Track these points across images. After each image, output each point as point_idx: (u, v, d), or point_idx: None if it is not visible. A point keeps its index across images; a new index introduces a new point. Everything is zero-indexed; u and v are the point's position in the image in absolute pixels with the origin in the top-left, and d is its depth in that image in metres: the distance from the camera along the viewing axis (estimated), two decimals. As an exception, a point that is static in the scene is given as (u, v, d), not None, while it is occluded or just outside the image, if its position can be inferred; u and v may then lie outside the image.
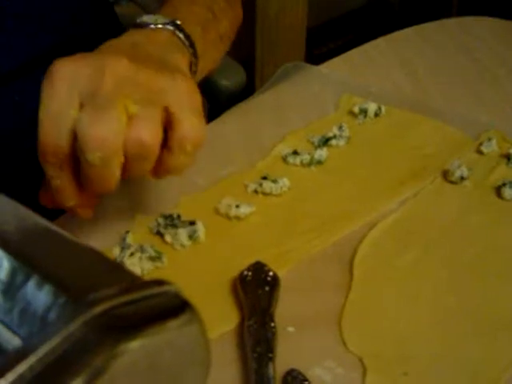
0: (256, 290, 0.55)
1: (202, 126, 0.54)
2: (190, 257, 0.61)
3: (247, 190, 0.68)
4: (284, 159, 0.72)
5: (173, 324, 0.28)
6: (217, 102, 1.12)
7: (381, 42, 0.98)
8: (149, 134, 0.51)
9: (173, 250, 0.62)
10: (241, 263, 0.58)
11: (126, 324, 0.27)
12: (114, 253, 0.60)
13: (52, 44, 0.76)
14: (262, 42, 2.06)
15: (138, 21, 0.62)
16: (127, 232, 0.62)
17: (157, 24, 0.61)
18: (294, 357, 0.51)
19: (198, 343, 0.30)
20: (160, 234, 0.63)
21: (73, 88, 0.51)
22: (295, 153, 0.72)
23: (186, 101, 0.54)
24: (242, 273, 0.56)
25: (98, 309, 0.27)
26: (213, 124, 0.79)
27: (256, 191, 0.68)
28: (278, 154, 0.73)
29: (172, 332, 0.28)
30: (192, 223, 0.62)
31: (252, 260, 0.58)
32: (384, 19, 3.35)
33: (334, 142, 0.75)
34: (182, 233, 0.62)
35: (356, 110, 0.80)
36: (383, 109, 0.80)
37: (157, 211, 0.65)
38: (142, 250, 0.59)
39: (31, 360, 0.26)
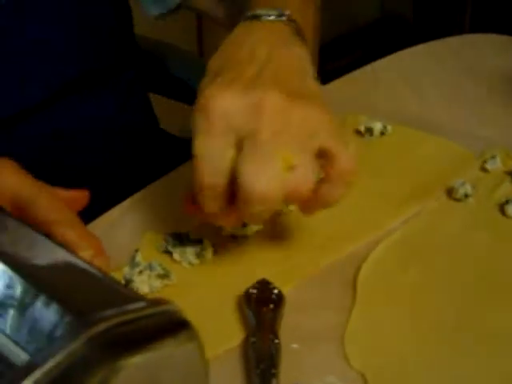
0: (261, 307, 0.56)
1: (353, 154, 0.57)
2: (198, 274, 0.62)
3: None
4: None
5: (171, 341, 0.30)
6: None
7: (386, 61, 1.00)
8: (307, 185, 0.53)
9: (181, 267, 0.63)
10: (247, 281, 0.59)
11: (127, 341, 0.29)
12: (125, 271, 0.62)
13: (79, 73, 0.79)
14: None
15: (250, 14, 0.61)
16: (137, 250, 0.64)
17: (270, 15, 0.61)
18: (297, 373, 0.53)
19: (195, 360, 0.31)
20: (169, 253, 0.65)
21: (230, 126, 0.52)
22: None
23: (335, 134, 0.56)
24: (247, 290, 0.58)
25: (100, 327, 0.29)
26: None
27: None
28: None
29: (170, 349, 0.30)
30: (199, 242, 0.64)
31: (258, 277, 0.59)
32: (398, 33, 3.36)
33: (339, 160, 0.76)
34: (190, 251, 0.63)
35: (362, 128, 0.81)
36: (389, 127, 0.82)
37: (166, 230, 0.67)
38: (150, 267, 0.61)
39: (37, 374, 0.28)
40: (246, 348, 0.54)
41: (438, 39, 1.10)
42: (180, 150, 0.91)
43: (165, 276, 0.61)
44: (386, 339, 0.56)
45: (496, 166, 0.76)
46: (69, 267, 0.37)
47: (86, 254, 0.48)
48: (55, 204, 0.52)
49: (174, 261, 0.64)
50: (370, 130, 0.81)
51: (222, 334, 0.56)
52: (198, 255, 0.63)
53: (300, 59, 0.60)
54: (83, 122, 0.85)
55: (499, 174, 0.75)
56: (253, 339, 0.53)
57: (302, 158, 0.53)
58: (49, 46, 0.78)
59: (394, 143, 0.80)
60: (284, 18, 0.61)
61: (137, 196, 0.74)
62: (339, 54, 2.74)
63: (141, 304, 0.31)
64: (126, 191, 0.75)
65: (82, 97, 0.84)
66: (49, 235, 0.44)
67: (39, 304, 0.32)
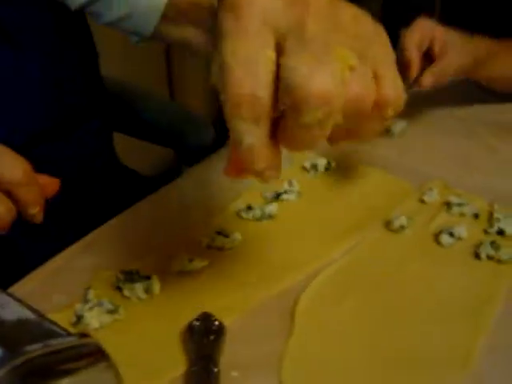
0: (202, 338, 0.60)
1: (402, 86, 0.46)
2: (146, 309, 0.66)
3: (201, 245, 0.73)
4: (238, 214, 0.78)
5: (89, 370, 0.34)
6: (188, 157, 1.18)
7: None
8: (371, 92, 0.44)
9: (131, 302, 0.67)
10: (191, 314, 0.62)
11: (48, 370, 0.33)
12: (76, 307, 0.65)
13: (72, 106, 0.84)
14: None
15: None
16: (88, 288, 0.67)
17: None
18: (235, 399, 0.56)
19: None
20: (120, 289, 0.68)
21: (267, 23, 0.42)
22: (249, 208, 0.78)
23: (388, 54, 0.46)
24: (190, 323, 0.61)
25: (24, 357, 0.33)
26: (172, 183, 0.85)
27: (210, 246, 0.73)
28: (233, 210, 0.79)
29: (88, 377, 0.33)
30: (148, 278, 0.68)
31: (201, 311, 0.63)
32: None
33: (285, 196, 0.80)
34: (139, 287, 0.67)
35: (307, 165, 0.85)
36: (333, 163, 0.86)
37: (118, 268, 0.70)
38: (99, 304, 0.65)
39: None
40: (188, 377, 0.57)
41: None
42: (141, 187, 0.96)
43: (114, 311, 0.64)
44: (322, 366, 0.59)
45: (433, 197, 0.81)
46: (6, 306, 0.40)
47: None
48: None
49: (125, 296, 0.67)
50: (314, 167, 0.85)
51: (166, 364, 0.59)
52: (147, 291, 0.67)
53: None
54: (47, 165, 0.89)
55: (436, 205, 0.80)
56: (194, 368, 0.57)
57: (362, 63, 0.43)
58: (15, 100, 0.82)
59: (338, 178, 0.85)
60: None
61: (91, 235, 0.78)
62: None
63: (65, 338, 0.34)
64: (85, 226, 0.78)
65: (48, 146, 0.88)
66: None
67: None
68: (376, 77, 0.44)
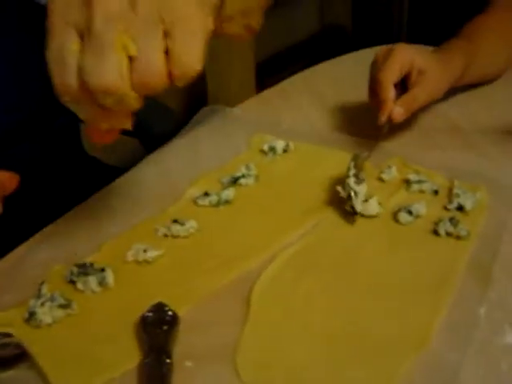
0: (155, 329, 0.59)
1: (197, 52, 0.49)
2: (100, 302, 0.65)
3: (157, 235, 0.72)
4: (194, 202, 0.77)
5: (12, 371, 0.33)
6: (152, 147, 1.17)
7: (297, 79, 1.04)
8: (153, 74, 0.48)
9: (84, 296, 0.65)
10: (145, 305, 0.61)
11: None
12: (30, 303, 0.64)
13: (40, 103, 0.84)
14: (212, 81, 2.13)
15: None
16: (42, 283, 0.66)
17: None
18: (189, 390, 0.55)
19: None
20: (73, 282, 0.67)
21: (67, 21, 0.48)
22: (206, 194, 0.77)
23: (185, 22, 0.48)
24: (143, 314, 0.60)
25: None
26: (129, 172, 0.84)
27: (166, 235, 0.72)
28: (189, 197, 0.78)
29: (11, 377, 0.32)
30: (102, 270, 0.66)
31: (156, 301, 0.62)
32: (338, 45, 3.43)
33: (242, 181, 0.79)
34: (92, 280, 0.66)
35: (265, 148, 0.84)
36: (291, 145, 0.85)
37: (73, 261, 0.69)
38: (52, 298, 0.63)
39: None
40: (141, 369, 0.56)
41: (348, 53, 1.15)
42: (105, 176, 0.94)
43: (66, 306, 0.63)
44: (277, 352, 0.59)
45: (392, 175, 0.80)
46: None
47: None
48: None
49: (79, 290, 0.66)
50: (273, 149, 0.84)
51: (119, 357, 0.58)
52: (101, 283, 0.66)
53: None
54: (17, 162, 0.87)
55: (395, 184, 0.79)
56: (147, 360, 0.56)
57: (145, 44, 0.47)
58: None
59: (297, 160, 0.84)
60: None
61: (48, 228, 0.76)
62: (280, 67, 2.78)
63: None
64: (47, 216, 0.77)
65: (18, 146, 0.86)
66: None
67: None
68: (168, 50, 0.47)
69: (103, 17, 0.46)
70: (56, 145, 0.95)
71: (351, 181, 0.72)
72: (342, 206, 0.74)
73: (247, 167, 0.80)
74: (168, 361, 0.56)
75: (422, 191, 0.77)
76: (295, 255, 0.69)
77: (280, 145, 0.84)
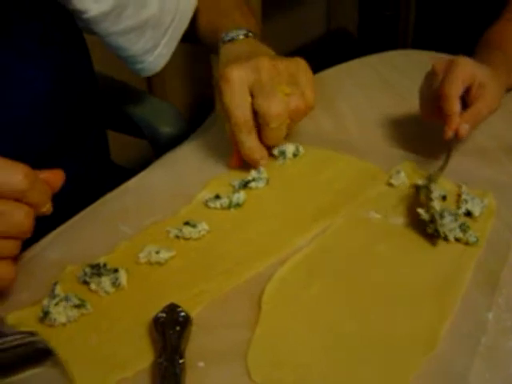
0: (168, 329, 0.60)
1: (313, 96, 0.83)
2: (113, 302, 0.66)
3: (169, 236, 0.73)
4: (206, 204, 0.78)
5: (37, 368, 0.33)
6: (161, 148, 1.18)
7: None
8: (302, 103, 0.81)
9: (98, 297, 0.66)
10: (158, 305, 0.62)
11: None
12: (43, 303, 0.65)
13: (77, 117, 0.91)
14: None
15: (227, 38, 0.90)
16: (55, 283, 0.67)
17: (240, 35, 0.90)
18: (201, 390, 0.56)
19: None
20: (87, 283, 0.68)
21: (244, 84, 0.80)
22: (217, 197, 0.78)
23: (308, 78, 0.82)
24: (156, 315, 0.61)
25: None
26: (141, 174, 0.85)
27: (177, 237, 0.73)
28: (200, 200, 0.79)
29: (36, 375, 0.33)
30: (115, 271, 0.67)
31: (169, 302, 0.63)
32: (344, 48, 3.44)
33: (253, 184, 0.80)
34: (106, 281, 0.67)
35: (275, 152, 0.85)
36: (301, 149, 0.86)
37: (86, 262, 0.70)
38: (66, 299, 0.64)
39: None
40: (154, 369, 0.57)
41: (358, 58, 1.15)
42: (115, 176, 0.95)
43: (81, 306, 0.64)
44: (287, 352, 0.60)
45: (401, 180, 0.81)
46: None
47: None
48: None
49: (92, 291, 0.67)
50: (283, 153, 0.85)
51: (132, 357, 0.59)
52: (114, 284, 0.67)
53: (267, 49, 0.90)
54: None
55: (404, 189, 0.80)
56: (159, 360, 0.57)
57: (294, 89, 0.81)
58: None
59: (307, 164, 0.85)
60: (250, 34, 0.91)
61: (59, 230, 0.77)
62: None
63: (11, 337, 0.34)
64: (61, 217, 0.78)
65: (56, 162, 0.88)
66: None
67: None
68: (303, 94, 0.82)
69: (268, 76, 0.80)
70: (91, 154, 0.97)
71: (436, 204, 0.73)
72: (422, 228, 0.74)
73: (258, 171, 0.81)
74: (181, 361, 0.57)
75: (430, 196, 0.78)
76: (306, 258, 0.70)
77: (290, 149, 0.85)
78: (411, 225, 0.74)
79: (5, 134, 0.80)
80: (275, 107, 0.79)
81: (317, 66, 1.11)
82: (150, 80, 2.13)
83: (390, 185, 0.81)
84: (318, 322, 0.62)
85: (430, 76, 0.86)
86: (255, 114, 0.80)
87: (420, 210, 0.72)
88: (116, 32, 0.92)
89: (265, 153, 0.83)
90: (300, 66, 0.83)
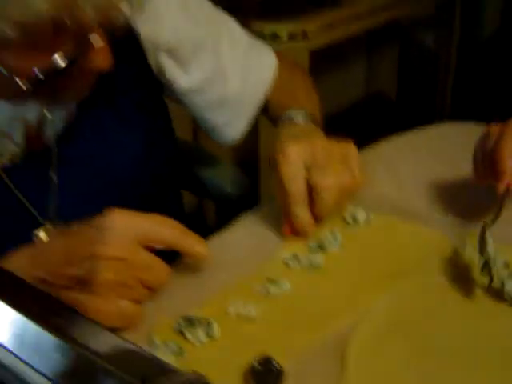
0: (263, 380, 0.65)
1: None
2: (208, 351, 0.72)
3: (254, 292, 0.79)
4: (286, 263, 0.84)
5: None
6: (224, 206, 1.26)
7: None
8: (351, 180, 0.89)
9: (192, 346, 0.72)
10: (250, 356, 0.68)
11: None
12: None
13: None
14: (264, 147, 2.22)
15: (286, 117, 1.00)
16: (152, 332, 0.73)
17: (299, 117, 0.99)
18: None
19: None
20: (181, 333, 0.74)
21: (300, 159, 0.87)
22: (295, 257, 0.84)
23: (354, 158, 0.90)
24: (252, 365, 0.67)
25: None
26: (225, 233, 0.92)
27: (262, 293, 0.79)
28: (280, 259, 0.85)
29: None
30: (208, 323, 0.74)
31: (260, 353, 0.68)
32: (382, 112, 3.52)
33: (328, 247, 0.86)
34: (200, 331, 0.73)
35: (347, 217, 0.92)
36: (372, 216, 0.92)
37: (179, 313, 0.76)
38: (166, 346, 0.70)
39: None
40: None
41: (414, 129, 1.22)
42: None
43: (179, 353, 0.70)
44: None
45: (466, 248, 0.86)
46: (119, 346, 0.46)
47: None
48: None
49: (187, 340, 0.73)
50: (354, 219, 0.92)
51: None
52: (207, 334, 0.73)
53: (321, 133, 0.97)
54: None
55: (469, 255, 0.85)
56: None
57: (344, 167, 0.89)
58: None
59: (377, 230, 0.91)
60: (308, 117, 1.00)
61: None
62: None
63: (183, 376, 0.40)
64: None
65: None
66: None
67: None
68: (352, 173, 0.89)
69: (321, 157, 0.88)
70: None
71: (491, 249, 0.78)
72: (422, 273, 0.80)
73: (333, 235, 0.87)
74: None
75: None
76: (384, 317, 0.75)
77: (362, 215, 0.92)
78: (476, 290, 0.79)
79: (104, 195, 0.87)
80: (328, 180, 0.86)
81: (356, 129, 1.18)
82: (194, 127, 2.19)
83: (456, 252, 0.86)
84: (400, 381, 0.68)
85: (484, 138, 0.92)
86: (308, 188, 0.88)
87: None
88: (200, 104, 1.00)
89: (313, 224, 0.89)
90: (349, 148, 0.91)
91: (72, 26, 0.67)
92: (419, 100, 3.60)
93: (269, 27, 2.32)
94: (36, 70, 0.70)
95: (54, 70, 0.70)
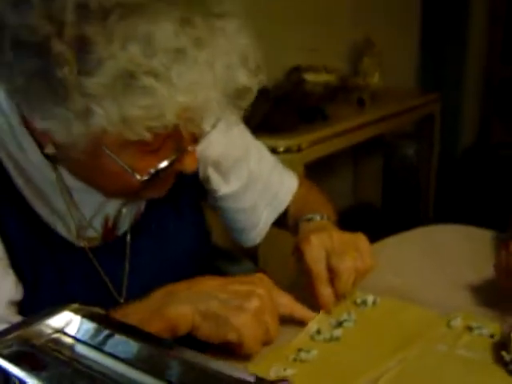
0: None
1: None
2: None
3: (289, 359, 0.98)
4: (311, 336, 1.03)
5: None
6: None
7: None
8: (363, 264, 1.09)
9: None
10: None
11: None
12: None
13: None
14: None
15: (306, 218, 1.20)
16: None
17: (317, 218, 1.19)
18: None
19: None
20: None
21: (321, 246, 1.06)
22: (318, 332, 1.03)
23: (366, 246, 1.11)
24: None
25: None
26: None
27: (295, 359, 0.97)
28: (308, 332, 1.04)
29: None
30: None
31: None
32: (369, 220, 3.74)
33: (345, 323, 1.06)
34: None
35: (358, 301, 1.12)
36: (378, 300, 1.12)
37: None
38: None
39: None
40: None
41: (410, 230, 1.44)
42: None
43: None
44: None
45: (458, 323, 1.06)
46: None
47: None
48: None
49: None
50: (364, 302, 1.11)
51: None
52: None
53: (336, 228, 1.17)
54: None
55: (460, 329, 1.05)
56: None
57: (357, 254, 1.09)
58: None
59: (383, 310, 1.11)
60: (324, 218, 1.19)
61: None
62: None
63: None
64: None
65: None
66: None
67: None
68: (363, 258, 1.09)
69: (339, 242, 1.09)
70: None
71: None
72: (423, 345, 1.00)
73: (349, 314, 1.07)
74: None
75: (480, 335, 1.02)
76: (393, 378, 0.94)
77: (370, 299, 1.11)
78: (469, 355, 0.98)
79: (163, 278, 1.06)
80: (346, 263, 1.06)
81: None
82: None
83: (449, 326, 1.06)
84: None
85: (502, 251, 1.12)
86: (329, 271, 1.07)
87: (503, 353, 0.95)
88: (233, 208, 1.22)
89: (334, 301, 1.09)
90: (361, 238, 1.11)
91: (185, 135, 0.85)
92: (404, 207, 3.84)
93: (268, 142, 2.57)
94: (151, 170, 0.87)
95: (157, 171, 0.88)
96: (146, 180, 0.88)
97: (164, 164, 0.87)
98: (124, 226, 1.07)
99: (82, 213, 1.03)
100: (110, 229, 1.05)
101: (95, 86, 0.75)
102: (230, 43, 0.79)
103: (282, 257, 1.48)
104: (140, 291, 0.99)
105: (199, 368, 0.64)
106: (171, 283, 1.01)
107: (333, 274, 1.06)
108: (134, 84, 0.75)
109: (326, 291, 1.07)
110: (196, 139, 0.90)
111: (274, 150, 2.52)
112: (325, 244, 1.07)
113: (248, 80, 0.81)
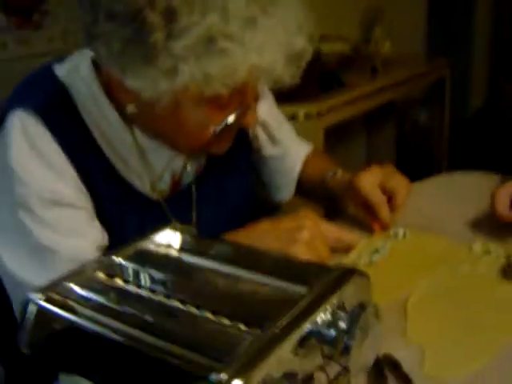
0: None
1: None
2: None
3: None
4: (354, 261, 1.21)
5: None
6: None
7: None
8: (406, 189, 1.32)
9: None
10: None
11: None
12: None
13: None
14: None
15: (333, 174, 1.41)
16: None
17: (338, 172, 1.41)
18: None
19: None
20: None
21: (374, 178, 1.29)
22: (360, 256, 1.22)
23: (403, 183, 1.33)
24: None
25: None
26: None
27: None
28: (351, 258, 1.22)
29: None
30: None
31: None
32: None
33: (381, 251, 1.24)
34: None
35: (391, 233, 1.30)
36: (408, 233, 1.30)
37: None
38: None
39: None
40: None
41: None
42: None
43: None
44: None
45: (478, 248, 1.23)
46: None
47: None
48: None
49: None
50: (396, 234, 1.30)
51: None
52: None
53: None
54: None
55: (480, 253, 1.22)
56: None
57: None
58: None
59: (412, 242, 1.29)
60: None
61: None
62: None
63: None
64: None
65: None
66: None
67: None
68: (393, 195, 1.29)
69: (385, 174, 1.32)
70: None
71: None
72: (448, 268, 1.18)
73: (384, 243, 1.26)
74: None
75: (498, 257, 1.20)
76: (426, 290, 1.12)
77: (401, 232, 1.30)
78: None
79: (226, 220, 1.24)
80: (401, 182, 1.30)
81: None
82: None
83: (470, 251, 1.23)
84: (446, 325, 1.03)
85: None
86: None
87: None
88: (276, 169, 1.40)
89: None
90: (394, 169, 1.34)
91: (250, 92, 1.02)
92: (417, 172, 3.98)
93: (288, 109, 2.73)
94: (222, 122, 1.03)
95: (225, 125, 1.04)
96: (216, 133, 1.04)
97: (232, 118, 1.03)
98: (188, 179, 1.24)
99: (154, 169, 1.19)
100: (176, 181, 1.22)
101: (181, 48, 0.89)
102: (289, 13, 0.96)
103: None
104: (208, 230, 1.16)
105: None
106: (232, 230, 1.15)
107: (390, 194, 1.28)
108: (213, 46, 0.90)
109: (386, 212, 1.28)
110: (257, 97, 1.06)
111: (293, 117, 2.68)
112: (375, 174, 1.27)
113: (304, 45, 0.98)
